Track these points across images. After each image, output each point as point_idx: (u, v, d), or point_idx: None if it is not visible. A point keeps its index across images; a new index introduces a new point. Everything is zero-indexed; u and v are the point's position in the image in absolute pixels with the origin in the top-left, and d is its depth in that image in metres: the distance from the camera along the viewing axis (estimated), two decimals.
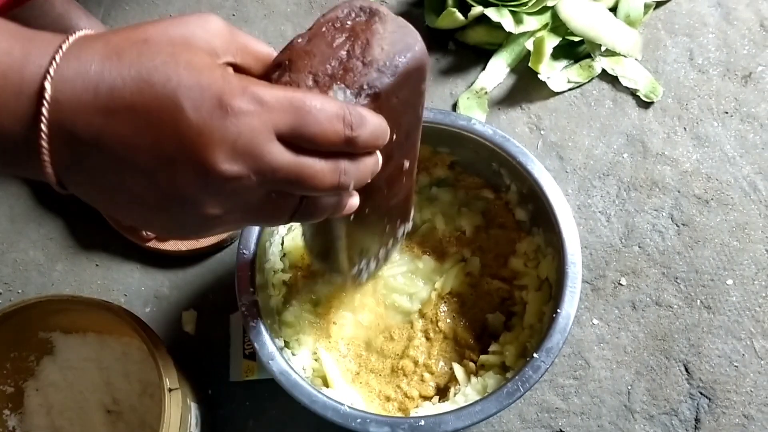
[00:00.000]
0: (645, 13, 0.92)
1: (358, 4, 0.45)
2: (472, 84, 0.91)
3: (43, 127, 0.34)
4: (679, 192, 0.85)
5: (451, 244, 0.76)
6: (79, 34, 0.36)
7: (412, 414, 0.69)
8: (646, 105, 0.89)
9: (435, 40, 0.94)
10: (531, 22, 0.89)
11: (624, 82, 0.90)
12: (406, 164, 0.54)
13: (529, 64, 0.89)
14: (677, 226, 0.83)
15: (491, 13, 0.87)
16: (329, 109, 0.38)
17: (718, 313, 0.79)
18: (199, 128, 0.34)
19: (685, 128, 0.88)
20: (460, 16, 0.89)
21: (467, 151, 0.74)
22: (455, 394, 0.69)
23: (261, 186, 0.37)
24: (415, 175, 0.58)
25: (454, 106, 0.90)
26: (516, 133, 0.88)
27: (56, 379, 0.73)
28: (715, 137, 0.87)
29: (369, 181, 0.43)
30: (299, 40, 0.43)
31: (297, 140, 0.37)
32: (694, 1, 0.94)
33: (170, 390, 0.62)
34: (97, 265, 0.84)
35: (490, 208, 0.77)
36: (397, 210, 0.61)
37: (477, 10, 0.88)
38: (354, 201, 0.45)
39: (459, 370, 0.70)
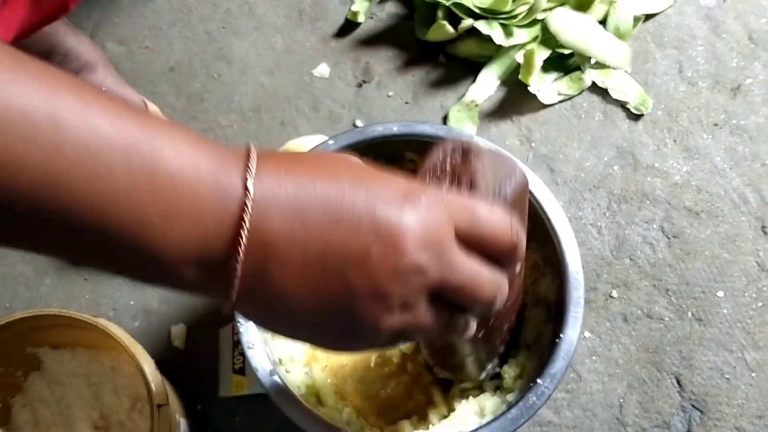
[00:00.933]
0: (634, 25, 0.93)
1: (451, 145, 0.46)
2: (462, 97, 0.91)
3: (242, 240, 0.33)
4: (669, 204, 0.85)
5: None
6: (254, 150, 0.36)
7: None
8: (636, 117, 0.90)
9: (425, 52, 0.94)
10: (521, 35, 0.90)
11: (614, 94, 0.90)
12: (517, 268, 0.56)
13: (519, 77, 0.89)
14: (668, 238, 0.83)
15: (481, 26, 0.88)
16: (498, 212, 0.40)
17: (709, 325, 0.79)
18: (396, 219, 0.36)
19: (675, 140, 0.88)
20: (450, 28, 0.89)
21: None
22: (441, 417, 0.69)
23: (437, 284, 0.37)
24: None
25: (445, 119, 0.90)
26: (506, 146, 0.88)
27: (44, 394, 0.72)
28: (705, 149, 0.87)
29: (504, 302, 0.43)
30: None
31: (471, 239, 0.38)
32: (682, 14, 0.95)
33: (159, 406, 0.62)
34: (85, 279, 0.84)
35: None
36: (509, 314, 0.63)
37: (467, 22, 0.88)
38: (473, 327, 0.44)
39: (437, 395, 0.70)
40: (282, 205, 0.34)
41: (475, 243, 0.38)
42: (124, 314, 0.82)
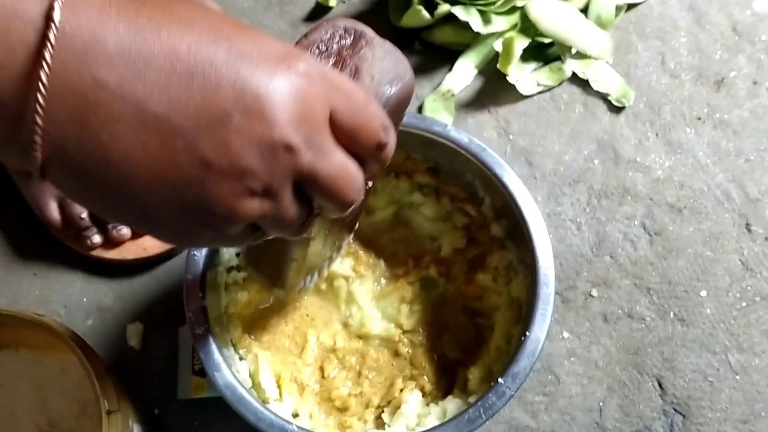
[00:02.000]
0: (616, 15, 0.89)
1: (342, 24, 0.40)
2: (438, 86, 0.87)
3: (43, 72, 0.27)
4: (651, 200, 0.82)
5: (423, 264, 0.72)
6: None
7: None
8: (617, 110, 0.86)
9: (399, 39, 0.90)
10: (500, 23, 0.86)
11: (595, 86, 0.87)
12: (370, 184, 0.51)
13: (498, 66, 0.85)
14: (649, 235, 0.80)
15: (458, 11, 0.84)
16: (373, 104, 0.34)
17: (691, 325, 0.76)
18: (265, 84, 0.29)
19: (657, 134, 0.85)
20: (426, 14, 0.85)
21: (442, 158, 0.70)
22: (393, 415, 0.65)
23: (306, 168, 0.31)
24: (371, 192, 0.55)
25: (420, 109, 0.86)
26: (484, 138, 0.84)
27: None
28: (688, 144, 0.85)
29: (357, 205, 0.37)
30: None
31: (343, 129, 0.33)
32: (665, 4, 0.92)
33: (109, 412, 0.57)
34: (35, 274, 0.78)
35: (472, 224, 0.72)
36: (349, 225, 0.58)
37: (444, 8, 0.84)
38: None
39: (415, 395, 0.66)
40: (108, 49, 0.27)
41: (345, 132, 0.33)
42: (77, 312, 0.77)
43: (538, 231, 0.64)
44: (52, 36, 0.26)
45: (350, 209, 0.35)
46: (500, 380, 0.59)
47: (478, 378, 0.66)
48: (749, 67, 0.88)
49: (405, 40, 0.90)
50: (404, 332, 0.69)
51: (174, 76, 0.28)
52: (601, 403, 0.74)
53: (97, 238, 0.75)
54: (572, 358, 0.75)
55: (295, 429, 0.58)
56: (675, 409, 0.73)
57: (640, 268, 0.79)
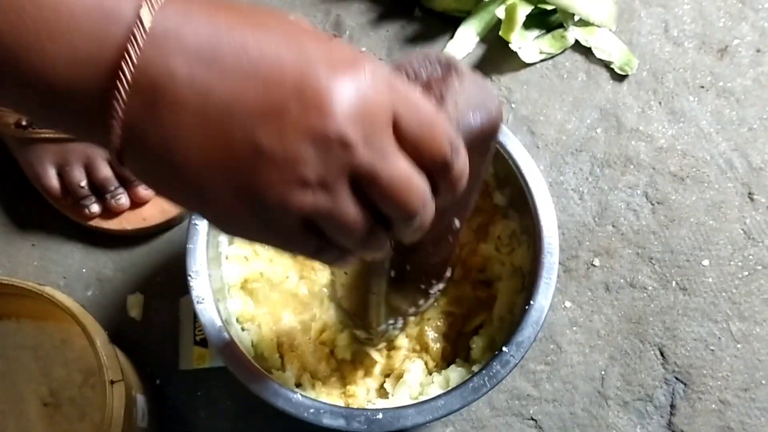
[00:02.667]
0: None
1: (434, 55, 0.40)
2: None
3: (127, 68, 0.29)
4: (654, 169, 0.81)
5: None
6: None
7: (368, 406, 0.64)
8: (620, 78, 0.85)
9: (400, 6, 0.88)
10: None
11: (598, 53, 0.86)
12: (457, 224, 0.51)
13: (500, 33, 0.84)
14: (652, 204, 0.80)
15: None
16: (443, 122, 0.34)
17: (693, 294, 0.76)
18: (326, 81, 0.30)
19: (660, 103, 0.84)
20: None
21: None
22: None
23: (365, 167, 0.31)
24: (457, 243, 0.54)
25: None
26: None
27: None
28: (691, 112, 0.84)
29: (424, 231, 0.37)
30: None
31: (405, 140, 0.32)
32: None
33: (112, 382, 0.57)
34: (33, 245, 0.77)
35: None
36: (435, 269, 0.57)
37: None
38: (386, 249, 0.39)
39: (417, 364, 0.66)
40: (187, 46, 0.29)
41: (409, 140, 0.33)
42: (76, 282, 0.76)
43: (542, 199, 0.64)
44: (138, 34, 0.29)
45: (416, 227, 0.35)
46: (504, 349, 0.59)
47: (482, 347, 0.65)
48: (753, 35, 0.88)
49: (405, 6, 0.88)
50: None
51: (240, 69, 0.30)
52: (602, 372, 0.74)
53: (95, 208, 0.74)
54: (574, 328, 0.75)
55: (299, 397, 0.57)
56: (676, 378, 0.73)
57: (643, 237, 0.79)
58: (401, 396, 0.64)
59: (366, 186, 0.32)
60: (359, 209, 0.33)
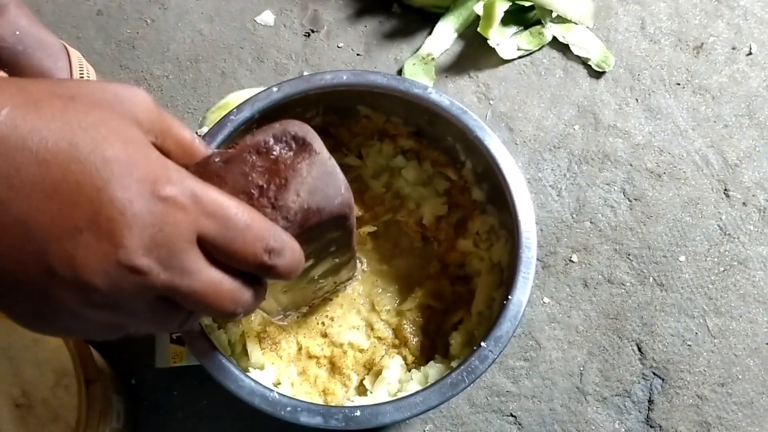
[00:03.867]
0: None
1: (293, 131, 0.39)
2: (418, 49, 0.85)
3: None
4: (631, 166, 0.82)
5: (412, 237, 0.72)
6: None
7: (347, 403, 0.64)
8: (597, 75, 0.86)
9: (378, 1, 0.88)
10: None
11: (575, 50, 0.86)
12: (336, 260, 0.52)
13: (479, 30, 0.84)
14: (629, 200, 0.80)
15: None
16: (256, 228, 0.35)
17: (670, 290, 0.77)
18: (122, 206, 0.30)
19: (637, 99, 0.85)
20: None
21: (422, 122, 0.68)
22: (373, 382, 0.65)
23: (162, 289, 0.32)
24: (354, 249, 0.55)
25: (400, 72, 0.85)
26: (464, 103, 0.83)
27: None
28: (668, 109, 0.84)
29: (254, 308, 0.39)
30: (216, 159, 0.38)
31: (214, 251, 0.34)
32: None
33: (87, 383, 0.55)
34: None
35: (451, 189, 0.72)
36: (326, 283, 0.59)
37: None
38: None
39: (395, 360, 0.66)
40: None
41: (219, 253, 0.34)
42: None
43: (520, 194, 0.64)
44: None
45: (235, 316, 0.36)
46: (483, 344, 0.58)
47: (460, 342, 0.65)
48: (728, 33, 0.88)
49: (383, 2, 0.88)
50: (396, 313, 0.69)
51: (39, 186, 0.29)
52: (581, 368, 0.74)
53: None
54: (553, 324, 0.75)
55: (276, 396, 0.56)
56: (654, 373, 0.74)
57: (620, 233, 0.79)
58: (380, 393, 0.64)
59: (173, 298, 0.34)
60: (167, 312, 0.34)
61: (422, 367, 0.64)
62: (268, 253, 0.35)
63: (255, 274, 0.36)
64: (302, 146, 0.39)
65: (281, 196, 0.38)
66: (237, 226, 0.34)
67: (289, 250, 0.37)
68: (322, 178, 0.39)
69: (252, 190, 0.37)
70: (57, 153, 0.30)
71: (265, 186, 0.37)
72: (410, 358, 0.67)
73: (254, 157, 0.38)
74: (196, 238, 0.33)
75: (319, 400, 0.65)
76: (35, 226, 0.30)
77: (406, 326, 0.67)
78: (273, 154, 0.38)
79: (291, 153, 0.39)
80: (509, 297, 0.60)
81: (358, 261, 0.62)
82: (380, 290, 0.70)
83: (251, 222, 0.34)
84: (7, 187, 0.29)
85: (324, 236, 0.43)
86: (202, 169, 0.37)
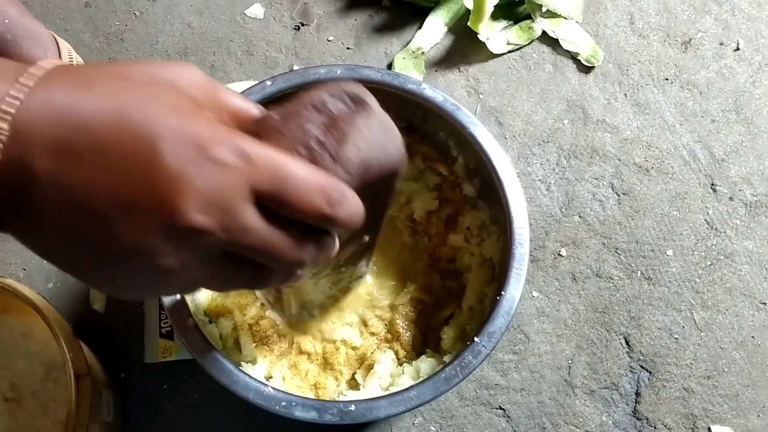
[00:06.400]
0: None
1: (348, 89, 0.40)
2: (408, 43, 0.86)
3: None
4: (619, 160, 0.82)
5: (404, 232, 0.72)
6: (49, 62, 0.33)
7: (340, 398, 0.64)
8: (586, 70, 0.86)
9: None
10: None
11: (565, 45, 0.86)
12: (366, 238, 0.52)
13: (468, 24, 0.84)
14: (618, 195, 0.81)
15: None
16: (313, 179, 0.35)
17: (658, 284, 0.77)
18: (174, 173, 0.31)
19: (625, 94, 0.85)
20: None
21: (415, 117, 0.68)
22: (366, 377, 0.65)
23: (225, 245, 0.34)
24: (377, 241, 0.55)
25: (390, 66, 0.85)
26: (454, 97, 0.83)
27: None
28: (656, 104, 0.85)
29: (320, 261, 0.39)
30: (274, 116, 0.38)
31: (272, 205, 0.34)
32: None
33: (78, 376, 0.55)
34: None
35: (443, 184, 0.72)
36: (348, 270, 0.58)
37: None
38: (303, 275, 0.41)
39: (387, 355, 0.66)
40: (49, 140, 0.31)
41: (279, 207, 0.34)
42: (37, 275, 0.74)
43: (513, 190, 0.64)
44: (3, 127, 0.30)
45: (301, 267, 0.37)
46: (476, 339, 0.58)
47: (452, 337, 0.66)
48: (716, 28, 0.89)
49: None
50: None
51: (97, 163, 0.31)
52: (569, 361, 0.74)
53: None
54: (541, 317, 0.76)
55: (271, 390, 0.57)
56: (641, 366, 0.74)
57: (609, 227, 0.79)
58: (372, 387, 0.64)
59: (238, 252, 0.35)
60: (236, 267, 0.35)
61: (414, 362, 0.64)
62: (329, 202, 0.35)
63: (319, 226, 0.36)
64: (359, 103, 0.40)
65: (341, 148, 0.38)
66: (293, 179, 0.34)
67: (350, 199, 0.36)
68: (379, 132, 0.40)
69: (312, 143, 0.37)
70: (111, 129, 0.31)
71: (324, 139, 0.37)
72: (402, 353, 0.67)
73: (312, 113, 0.38)
74: (252, 196, 0.33)
75: (311, 394, 0.65)
76: (97, 203, 0.31)
77: (398, 321, 0.68)
78: (330, 110, 0.39)
79: (348, 109, 0.39)
80: (502, 293, 0.60)
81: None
82: (376, 287, 0.70)
83: (307, 174, 0.34)
84: (69, 170, 0.30)
85: (374, 196, 0.43)
86: (261, 127, 0.37)
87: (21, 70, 0.31)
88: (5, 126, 0.30)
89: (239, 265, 0.36)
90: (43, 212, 0.31)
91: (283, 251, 0.35)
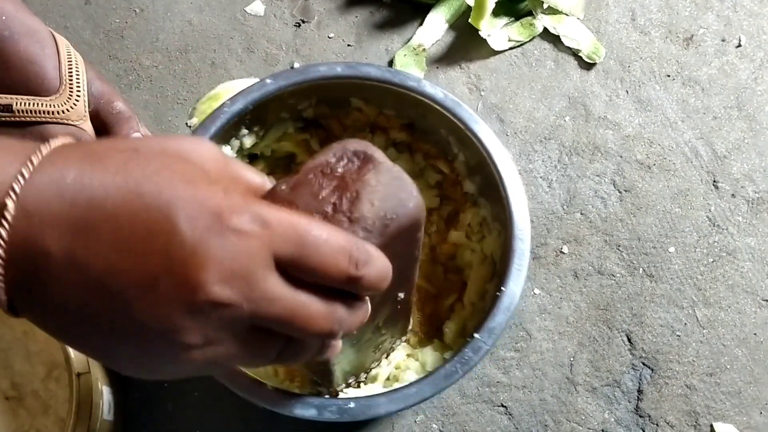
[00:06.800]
0: None
1: (352, 147, 0.39)
2: (409, 40, 0.85)
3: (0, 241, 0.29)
4: (621, 157, 0.82)
5: None
6: (57, 141, 0.32)
7: (341, 395, 0.64)
8: (588, 66, 0.86)
9: None
10: None
11: (566, 41, 0.86)
12: (401, 296, 0.51)
13: (470, 20, 0.84)
14: (619, 192, 0.81)
15: None
16: (335, 241, 0.34)
17: (660, 281, 0.77)
18: (193, 245, 0.30)
19: (627, 91, 0.85)
20: None
21: (415, 114, 0.68)
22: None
23: (250, 317, 0.32)
24: (413, 299, 0.54)
25: (390, 63, 0.84)
26: (456, 94, 0.83)
27: None
28: (657, 101, 0.85)
29: (354, 328, 0.38)
30: (282, 187, 0.37)
31: (295, 271, 0.33)
32: None
33: (79, 375, 0.55)
34: None
35: (443, 181, 0.72)
36: (390, 332, 0.58)
37: None
38: (339, 345, 0.40)
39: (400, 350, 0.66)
40: (61, 218, 0.30)
41: (302, 273, 0.33)
42: None
43: (514, 186, 0.64)
44: (8, 213, 0.29)
45: (333, 336, 0.35)
46: (476, 335, 0.58)
47: (454, 332, 0.66)
48: (718, 24, 0.89)
49: None
50: None
51: (113, 243, 0.30)
52: (571, 359, 0.74)
53: None
54: (543, 315, 0.76)
55: (269, 388, 0.57)
56: (643, 363, 0.74)
57: (610, 224, 0.79)
58: (374, 384, 0.64)
59: (265, 325, 0.33)
60: (263, 341, 0.34)
61: (419, 354, 0.64)
62: (353, 263, 0.34)
63: (346, 289, 0.35)
64: (365, 159, 0.39)
65: (356, 208, 0.37)
66: (315, 242, 0.33)
67: (375, 258, 0.35)
68: (391, 183, 0.39)
69: (326, 209, 0.37)
70: (125, 205, 0.30)
71: (337, 202, 0.37)
72: (413, 339, 0.67)
73: (320, 178, 0.38)
74: (273, 263, 0.32)
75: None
76: (115, 283, 0.30)
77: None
78: (338, 172, 0.38)
79: (355, 167, 0.39)
80: (503, 288, 0.60)
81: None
82: None
83: (328, 236, 0.33)
84: (83, 249, 0.30)
85: (399, 250, 0.42)
86: (270, 200, 0.37)
87: (27, 149, 0.31)
88: (11, 204, 0.29)
89: (269, 337, 0.34)
90: (57, 292, 0.30)
91: (311, 319, 0.34)
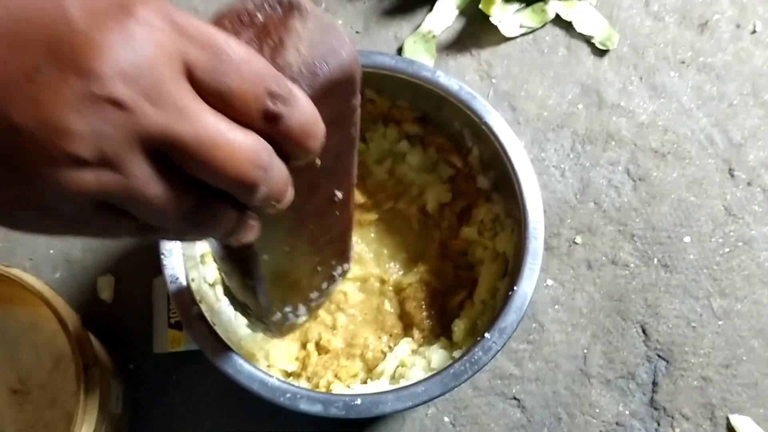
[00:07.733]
0: None
1: None
2: (418, 27, 0.84)
3: None
4: (635, 145, 0.80)
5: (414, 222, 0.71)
6: None
7: (347, 391, 0.63)
8: (601, 53, 0.84)
9: None
10: None
11: (578, 27, 0.84)
12: (339, 195, 0.44)
13: (480, 6, 0.82)
14: (633, 181, 0.79)
15: None
16: (256, 64, 0.28)
17: (675, 271, 0.76)
18: (86, 29, 0.24)
19: (641, 78, 0.83)
20: None
21: (429, 106, 0.67)
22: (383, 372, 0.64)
23: (157, 137, 0.25)
24: (353, 207, 0.48)
25: (400, 51, 0.83)
26: (466, 81, 0.82)
27: None
28: (672, 88, 0.83)
29: (284, 203, 0.31)
30: None
31: (208, 88, 0.27)
32: None
33: (86, 367, 0.54)
34: None
35: (456, 176, 0.70)
36: (330, 249, 0.50)
37: None
38: (256, 226, 0.33)
39: (405, 345, 0.65)
40: None
41: (213, 95, 0.27)
42: (43, 264, 0.73)
43: (528, 183, 0.62)
44: None
45: (268, 197, 0.29)
46: (487, 335, 0.57)
47: (464, 330, 0.64)
48: (732, 10, 0.87)
49: None
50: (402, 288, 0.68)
51: None
52: (585, 350, 0.73)
53: None
54: (556, 306, 0.75)
55: (275, 382, 0.55)
56: (658, 355, 0.73)
57: (624, 214, 0.78)
58: (381, 381, 0.63)
59: (171, 154, 0.26)
60: (166, 184, 0.27)
61: (426, 352, 0.63)
62: (273, 97, 0.28)
63: (264, 131, 0.28)
64: (289, 5, 0.33)
65: (280, 55, 0.32)
66: (231, 59, 0.27)
67: (301, 101, 0.29)
68: (320, 30, 0.33)
69: None
70: None
71: (257, 51, 0.31)
72: (417, 335, 0.66)
73: (237, 25, 0.32)
74: (184, 70, 0.26)
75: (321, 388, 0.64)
76: None
77: (411, 302, 0.67)
78: (258, 20, 0.33)
79: (278, 15, 0.33)
80: (515, 288, 0.58)
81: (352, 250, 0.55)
82: (387, 263, 0.69)
83: (248, 56, 0.27)
84: None
85: (334, 117, 0.35)
86: None
87: None
88: None
89: (177, 181, 0.27)
90: None
91: (233, 152, 0.27)
